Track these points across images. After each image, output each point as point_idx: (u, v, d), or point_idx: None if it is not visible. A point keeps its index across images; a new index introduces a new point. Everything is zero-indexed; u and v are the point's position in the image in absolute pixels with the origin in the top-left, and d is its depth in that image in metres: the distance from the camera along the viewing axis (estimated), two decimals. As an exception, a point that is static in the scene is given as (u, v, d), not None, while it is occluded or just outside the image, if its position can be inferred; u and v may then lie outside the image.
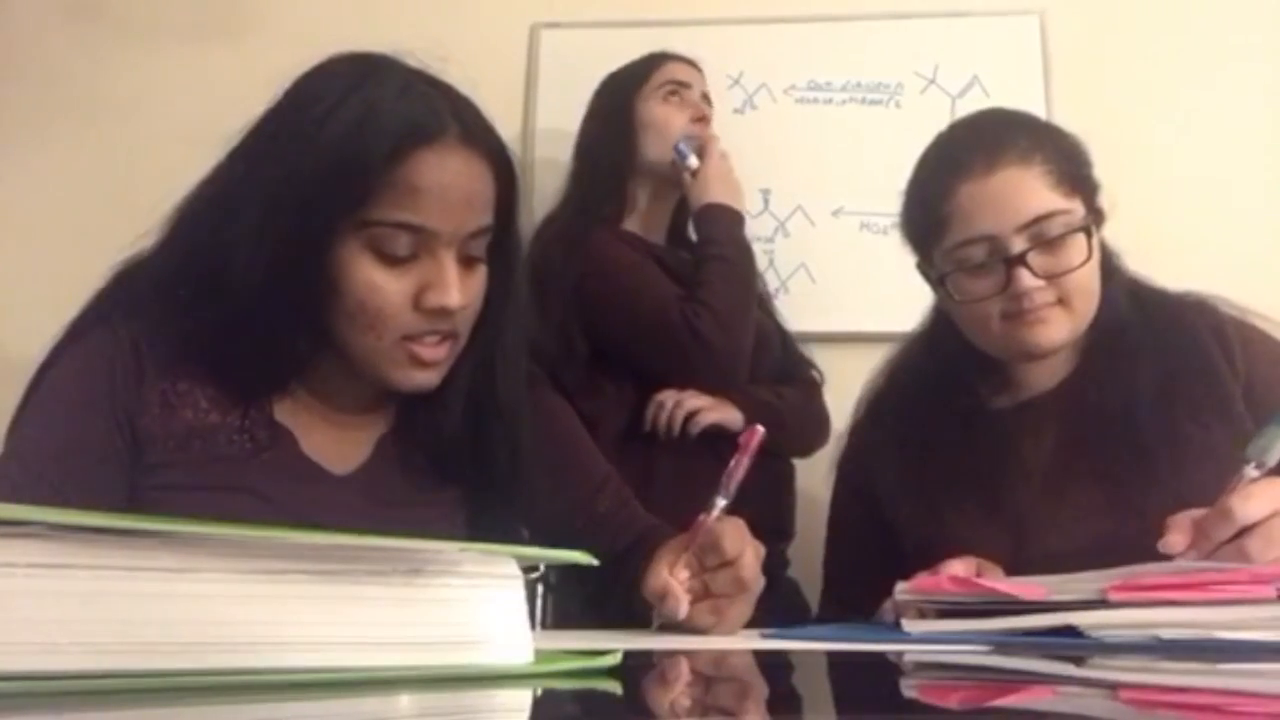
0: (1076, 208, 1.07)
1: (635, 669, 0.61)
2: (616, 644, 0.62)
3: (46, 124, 2.17)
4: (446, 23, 2.06)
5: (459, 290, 0.90)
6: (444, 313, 0.89)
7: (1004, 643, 0.78)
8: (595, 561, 0.59)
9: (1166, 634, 0.74)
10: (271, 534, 0.48)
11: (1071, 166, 1.09)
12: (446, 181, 0.88)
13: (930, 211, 1.09)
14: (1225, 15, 2.03)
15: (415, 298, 0.89)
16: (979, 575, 0.92)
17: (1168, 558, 0.83)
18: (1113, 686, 0.59)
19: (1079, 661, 0.68)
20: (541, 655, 0.56)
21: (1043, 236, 1.05)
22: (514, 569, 0.56)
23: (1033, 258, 1.04)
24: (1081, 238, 1.06)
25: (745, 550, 0.91)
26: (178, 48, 2.16)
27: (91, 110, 2.16)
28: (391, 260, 0.88)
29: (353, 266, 0.88)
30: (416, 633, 0.51)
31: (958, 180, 1.07)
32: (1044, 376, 1.14)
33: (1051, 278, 1.05)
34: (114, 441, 0.90)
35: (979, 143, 1.09)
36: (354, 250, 0.88)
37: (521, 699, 0.53)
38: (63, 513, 0.45)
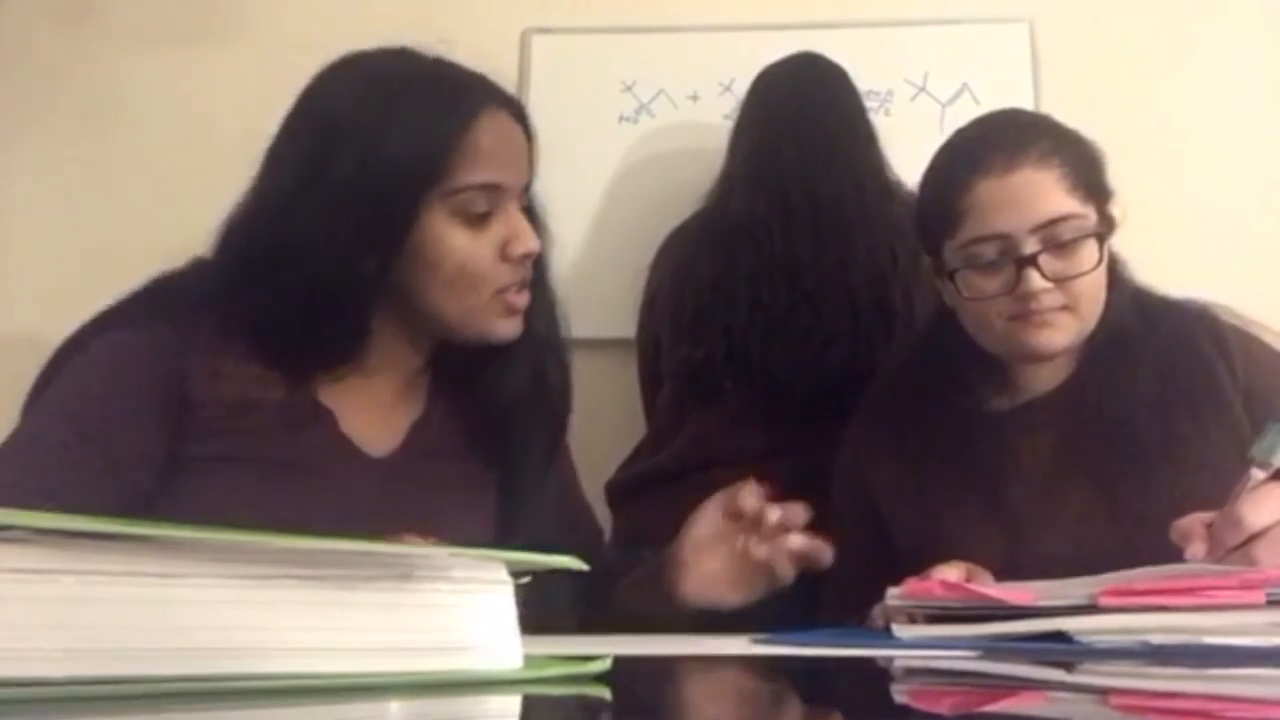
0: (1090, 213, 1.07)
1: (624, 674, 0.61)
2: (606, 649, 0.62)
3: (41, 127, 2.16)
4: (438, 28, 2.05)
5: (533, 235, 0.96)
6: (528, 258, 0.96)
7: (994, 648, 0.78)
8: (586, 567, 0.59)
9: (1156, 639, 0.74)
10: (259, 539, 0.48)
11: (1089, 173, 1.09)
12: (505, 138, 0.96)
13: (945, 206, 1.09)
14: (1216, 23, 2.04)
15: (499, 251, 0.95)
16: (969, 580, 0.92)
17: (1166, 560, 0.82)
18: (1102, 691, 0.59)
19: (1069, 667, 0.68)
20: (531, 661, 0.56)
21: (1055, 239, 1.05)
22: (503, 574, 0.55)
23: (1044, 260, 1.04)
24: (1093, 243, 1.06)
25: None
26: (172, 50, 2.16)
27: (86, 113, 2.15)
28: (475, 220, 0.94)
29: (444, 235, 0.93)
30: (405, 638, 0.51)
31: (976, 177, 1.07)
32: (1044, 379, 1.14)
33: (1060, 281, 1.05)
34: (148, 418, 0.91)
35: (1000, 141, 1.09)
36: (442, 220, 0.93)
37: (511, 705, 0.52)
38: (46, 517, 0.45)
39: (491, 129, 0.95)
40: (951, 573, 0.93)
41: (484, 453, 1.03)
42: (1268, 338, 1.14)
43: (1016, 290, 1.05)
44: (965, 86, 2.06)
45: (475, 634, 0.53)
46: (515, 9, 2.13)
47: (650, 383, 1.67)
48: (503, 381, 1.01)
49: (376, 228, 0.92)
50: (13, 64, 2.17)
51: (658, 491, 1.43)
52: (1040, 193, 1.05)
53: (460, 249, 0.94)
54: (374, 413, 1.00)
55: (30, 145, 2.15)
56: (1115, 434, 1.08)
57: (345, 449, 0.97)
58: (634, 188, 2.04)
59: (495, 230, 0.95)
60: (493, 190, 0.94)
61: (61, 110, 2.15)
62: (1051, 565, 0.89)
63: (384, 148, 0.91)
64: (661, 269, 1.67)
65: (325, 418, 0.96)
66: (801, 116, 1.61)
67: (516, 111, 0.99)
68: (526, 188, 0.99)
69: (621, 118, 2.07)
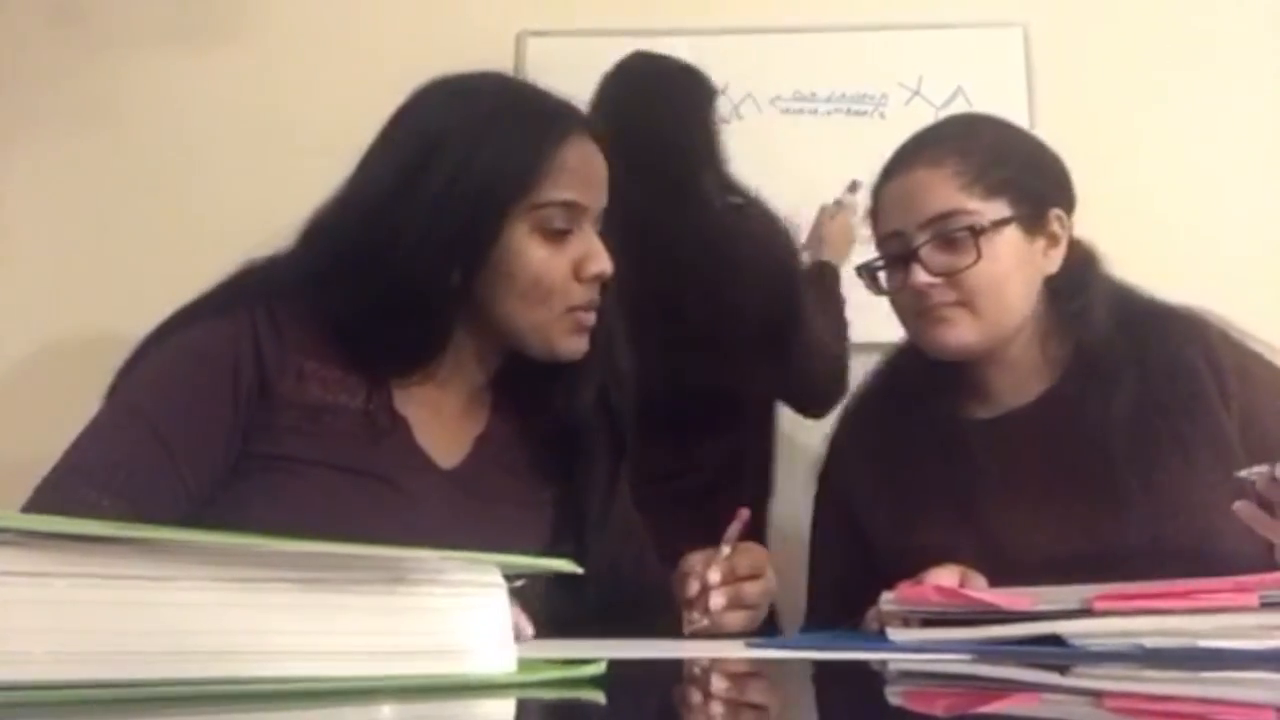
0: (991, 210, 1.07)
1: (619, 678, 0.61)
2: (600, 653, 0.62)
3: (35, 128, 2.16)
4: (433, 30, 2.05)
5: (607, 258, 0.99)
6: (600, 278, 0.99)
7: (988, 651, 0.78)
8: (580, 570, 0.59)
9: (1150, 642, 0.74)
10: (252, 542, 0.48)
11: (1001, 170, 1.09)
12: (589, 161, 1.00)
13: (871, 210, 1.16)
14: (1208, 28, 2.05)
15: (574, 270, 0.98)
16: (963, 585, 0.92)
17: (1145, 576, 0.82)
18: (1096, 694, 0.59)
19: (1063, 670, 0.68)
20: (524, 664, 0.55)
21: (941, 234, 1.07)
22: (497, 577, 0.55)
23: (926, 253, 1.06)
24: (986, 238, 1.05)
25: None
26: (167, 51, 2.16)
27: (81, 114, 2.15)
28: (554, 236, 0.97)
29: (524, 248, 0.96)
30: (399, 642, 0.51)
31: (884, 180, 1.13)
32: (1020, 390, 1.13)
33: (944, 275, 1.06)
34: (228, 411, 0.92)
35: (909, 144, 1.14)
36: (523, 233, 0.96)
37: (505, 708, 0.52)
38: (37, 520, 0.45)
39: (577, 151, 0.99)
40: (946, 577, 0.93)
41: (544, 471, 1.05)
42: (1267, 353, 1.10)
43: (906, 285, 1.07)
44: (960, 90, 2.06)
45: (469, 637, 0.53)
46: (510, 11, 2.14)
47: None
48: (570, 402, 1.03)
49: (463, 236, 0.95)
50: (7, 65, 2.17)
51: None
52: (928, 190, 1.08)
53: (537, 262, 0.96)
54: (443, 424, 1.01)
55: (24, 146, 2.14)
56: (1091, 453, 1.06)
57: (419, 459, 0.98)
58: (629, 191, 2.04)
59: (572, 248, 0.98)
60: (573, 209, 0.97)
61: (56, 111, 2.15)
62: (1024, 577, 0.89)
63: (476, 159, 0.95)
64: None
65: (402, 427, 0.98)
66: (641, 147, 1.51)
67: (600, 140, 1.03)
68: (604, 212, 1.02)
69: (616, 121, 2.07)
